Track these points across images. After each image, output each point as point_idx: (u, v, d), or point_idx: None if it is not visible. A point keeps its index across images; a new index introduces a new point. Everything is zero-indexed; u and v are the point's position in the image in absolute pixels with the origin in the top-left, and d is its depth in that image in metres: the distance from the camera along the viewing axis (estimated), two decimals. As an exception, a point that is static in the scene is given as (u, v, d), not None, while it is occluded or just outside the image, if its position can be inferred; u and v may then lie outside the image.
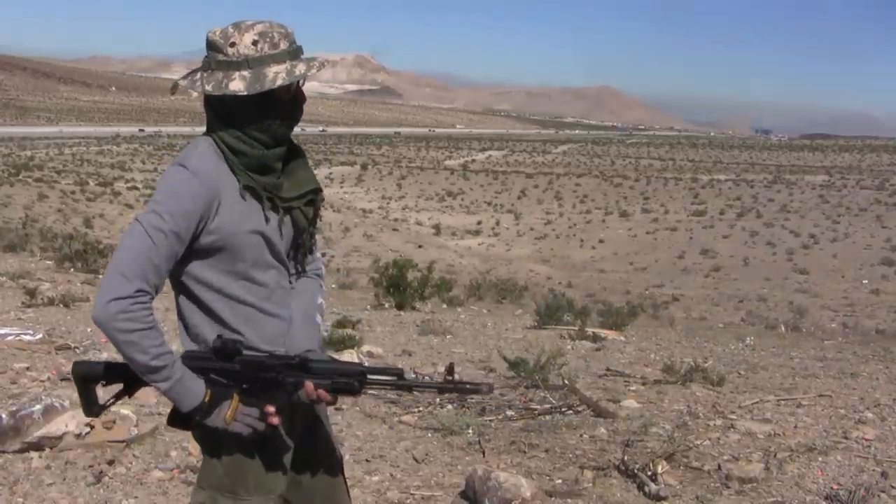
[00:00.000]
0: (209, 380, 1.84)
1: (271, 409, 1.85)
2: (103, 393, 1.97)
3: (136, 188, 55.63)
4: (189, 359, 1.87)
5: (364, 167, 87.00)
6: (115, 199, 49.81)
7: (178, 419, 1.91)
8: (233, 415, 1.82)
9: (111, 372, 1.93)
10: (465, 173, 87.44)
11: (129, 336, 1.71)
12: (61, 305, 9.03)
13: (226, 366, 1.86)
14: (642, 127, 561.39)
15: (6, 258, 15.92)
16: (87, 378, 1.94)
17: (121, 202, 48.56)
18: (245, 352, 1.86)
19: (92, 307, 1.75)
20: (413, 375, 6.71)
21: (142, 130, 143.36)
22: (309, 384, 1.86)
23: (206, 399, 1.81)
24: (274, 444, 1.93)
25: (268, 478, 1.93)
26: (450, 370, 1.89)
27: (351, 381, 1.87)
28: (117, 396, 1.97)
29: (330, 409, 2.18)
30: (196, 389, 1.80)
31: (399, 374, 1.90)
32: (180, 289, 1.91)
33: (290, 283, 2.02)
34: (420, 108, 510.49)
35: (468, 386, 1.92)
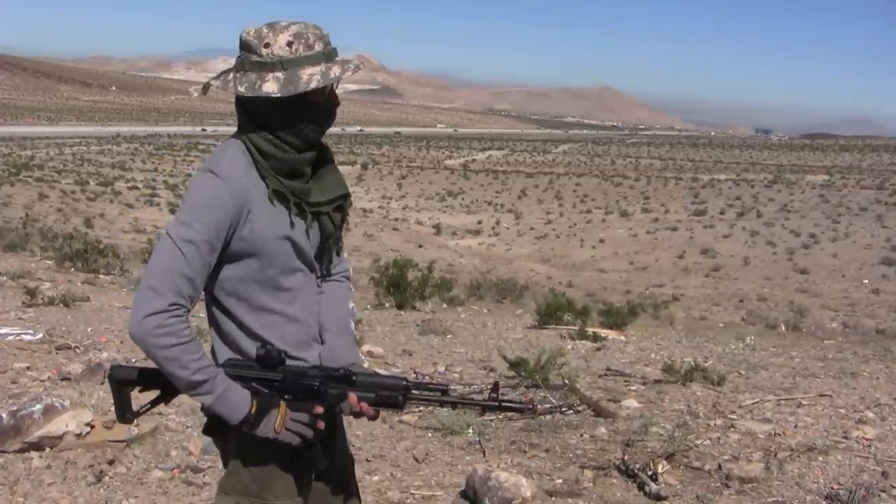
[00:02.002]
0: (251, 389, 1.81)
1: (320, 409, 1.82)
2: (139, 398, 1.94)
3: (136, 188, 55.64)
4: (230, 367, 1.84)
5: (364, 167, 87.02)
6: (116, 198, 49.80)
7: (213, 430, 1.89)
8: (282, 423, 1.79)
9: (149, 378, 1.90)
10: (465, 173, 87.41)
11: (168, 352, 1.68)
12: (61, 305, 9.03)
13: (268, 375, 1.83)
14: (642, 127, 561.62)
15: (6, 258, 15.92)
16: (123, 383, 1.91)
17: (121, 202, 48.56)
18: (288, 361, 1.84)
19: (128, 325, 1.72)
20: (413, 375, 6.71)
21: (204, 130, 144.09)
22: (353, 397, 1.84)
23: (253, 411, 1.78)
24: (312, 457, 1.89)
25: (295, 483, 1.91)
26: (495, 388, 1.86)
27: (395, 395, 1.85)
28: (153, 403, 1.94)
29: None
30: (241, 402, 1.77)
31: (444, 389, 1.88)
32: (212, 300, 1.89)
33: (318, 285, 2.00)
34: (420, 108, 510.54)
35: (513, 405, 1.89)
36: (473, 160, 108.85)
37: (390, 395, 1.85)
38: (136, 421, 4.28)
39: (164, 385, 1.87)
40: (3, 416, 3.93)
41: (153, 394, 1.95)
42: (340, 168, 2.06)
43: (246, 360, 1.86)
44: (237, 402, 1.77)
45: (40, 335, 6.67)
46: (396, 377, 1.91)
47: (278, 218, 1.84)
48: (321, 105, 1.85)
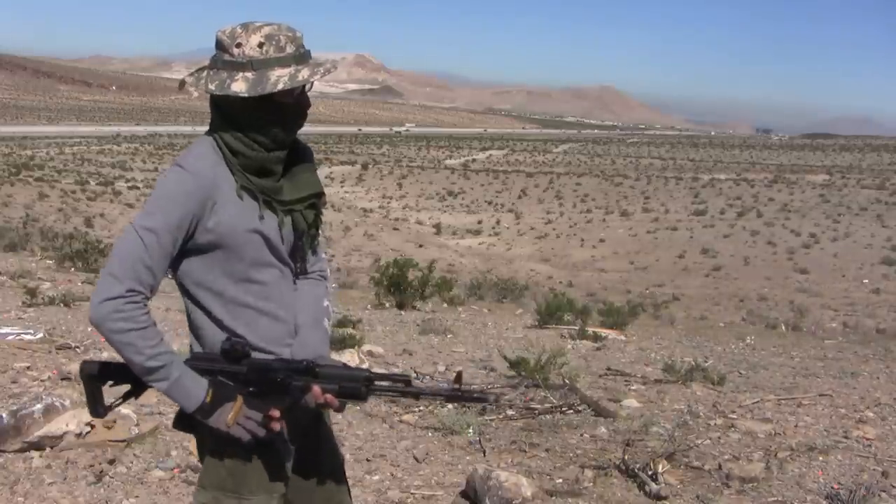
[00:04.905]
0: (216, 382, 1.83)
1: (276, 413, 1.83)
2: (110, 394, 1.96)
3: (136, 188, 55.62)
4: (196, 360, 1.87)
5: (365, 166, 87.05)
6: (116, 198, 49.80)
7: (182, 423, 1.90)
8: (234, 417, 1.81)
9: (119, 372, 1.92)
10: (465, 172, 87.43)
11: (124, 336, 1.71)
12: (62, 305, 9.03)
13: (233, 368, 1.85)
14: (643, 126, 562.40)
15: (7, 257, 15.92)
16: (94, 378, 1.93)
17: (121, 202, 48.55)
18: (253, 354, 1.86)
19: (89, 310, 1.75)
20: (413, 375, 6.71)
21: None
22: (316, 388, 1.85)
23: (208, 399, 1.80)
24: (275, 448, 1.92)
25: (270, 478, 1.93)
26: (458, 379, 1.88)
27: (358, 387, 1.86)
28: (124, 397, 1.96)
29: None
30: (195, 390, 1.80)
31: (406, 380, 1.89)
32: (184, 292, 1.91)
33: (294, 283, 2.01)
34: (421, 108, 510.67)
35: (475, 395, 1.90)
36: (473, 160, 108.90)
37: (353, 387, 1.86)
38: (136, 420, 4.29)
39: (135, 379, 1.88)
40: (4, 415, 3.93)
41: (125, 389, 1.96)
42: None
43: (211, 353, 1.88)
44: (192, 389, 1.79)
45: (40, 335, 6.67)
46: (360, 369, 1.92)
47: (247, 212, 1.86)
48: (290, 106, 1.87)
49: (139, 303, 1.73)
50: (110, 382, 1.94)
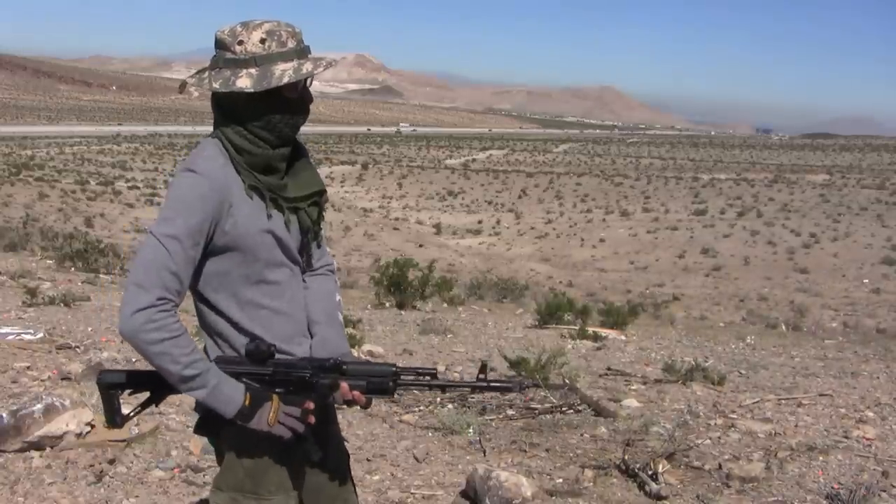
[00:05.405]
0: (243, 383, 1.82)
1: (311, 405, 1.83)
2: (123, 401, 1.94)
3: (136, 187, 55.65)
4: (220, 363, 1.86)
5: (365, 166, 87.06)
6: (116, 198, 49.82)
7: (205, 428, 1.89)
8: (275, 416, 1.81)
9: (138, 380, 1.90)
10: (465, 172, 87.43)
11: (159, 346, 1.69)
12: (62, 305, 9.03)
13: (259, 369, 1.84)
14: (643, 126, 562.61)
15: (7, 257, 15.91)
16: (113, 387, 1.89)
17: (121, 201, 48.58)
18: (277, 356, 1.86)
19: (118, 323, 1.73)
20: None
21: None
22: (345, 385, 1.85)
23: (247, 402, 1.79)
24: (306, 447, 1.91)
25: (289, 477, 1.93)
26: (482, 370, 1.88)
27: (385, 382, 1.86)
28: (143, 405, 1.94)
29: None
30: (234, 395, 1.78)
31: (433, 373, 1.90)
32: (199, 297, 1.91)
33: (303, 280, 2.03)
34: (421, 108, 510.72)
35: (501, 384, 1.91)
36: (474, 160, 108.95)
37: (381, 382, 1.87)
38: (136, 420, 4.29)
39: (154, 386, 1.87)
40: (4, 415, 3.93)
41: (144, 397, 1.94)
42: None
43: (236, 356, 1.88)
44: (231, 394, 1.78)
45: (41, 335, 6.67)
46: (386, 364, 1.92)
47: (259, 212, 1.87)
48: (294, 100, 1.88)
49: (170, 311, 1.71)
50: (129, 391, 1.92)
